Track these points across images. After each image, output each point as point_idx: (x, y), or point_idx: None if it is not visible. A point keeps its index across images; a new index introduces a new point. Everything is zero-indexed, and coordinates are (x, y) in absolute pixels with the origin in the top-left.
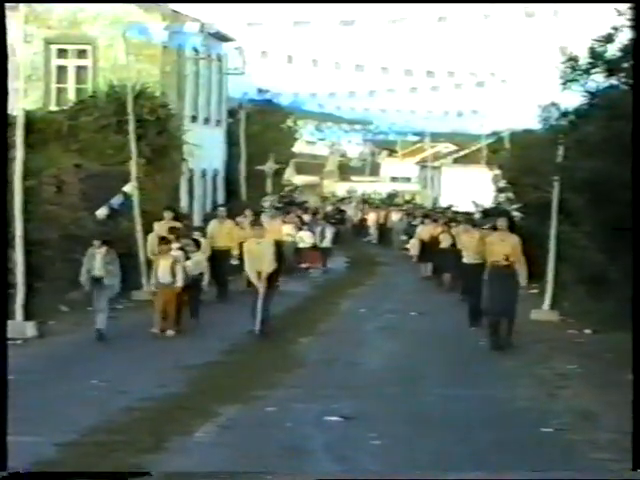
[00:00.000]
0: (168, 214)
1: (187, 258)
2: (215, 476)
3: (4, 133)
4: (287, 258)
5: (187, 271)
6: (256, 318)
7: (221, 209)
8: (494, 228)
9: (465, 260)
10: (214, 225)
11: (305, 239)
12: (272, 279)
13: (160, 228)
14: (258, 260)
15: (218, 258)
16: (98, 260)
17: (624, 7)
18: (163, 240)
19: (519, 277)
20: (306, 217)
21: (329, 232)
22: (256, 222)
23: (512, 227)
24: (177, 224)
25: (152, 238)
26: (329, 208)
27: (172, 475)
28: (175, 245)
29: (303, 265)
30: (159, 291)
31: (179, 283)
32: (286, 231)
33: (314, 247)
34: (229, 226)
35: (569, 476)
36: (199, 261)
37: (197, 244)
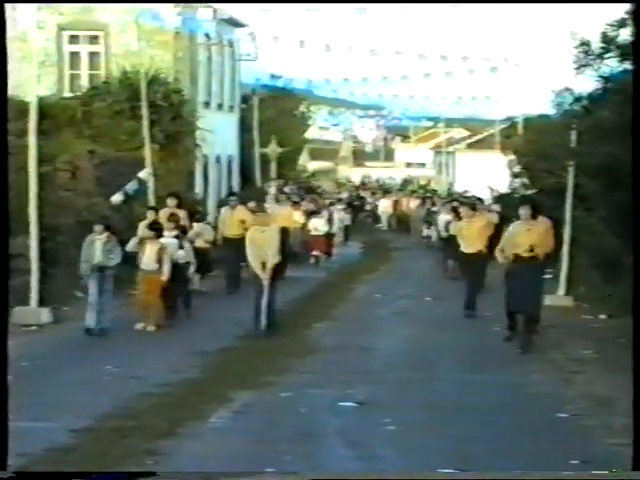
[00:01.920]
0: (171, 201)
1: (181, 247)
2: (214, 476)
3: (4, 124)
4: (293, 246)
5: (176, 259)
6: (260, 313)
7: (232, 197)
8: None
9: (463, 249)
10: (225, 213)
11: (319, 227)
12: (278, 271)
13: (162, 215)
14: (262, 250)
15: (229, 247)
16: (98, 247)
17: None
18: (154, 225)
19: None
20: (322, 203)
21: (337, 218)
22: (259, 208)
23: (535, 215)
24: (179, 211)
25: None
26: (344, 195)
27: (175, 474)
28: (169, 233)
29: (314, 253)
30: (141, 279)
31: (165, 273)
32: (295, 218)
33: (327, 234)
34: (241, 214)
35: (569, 476)
36: (186, 249)
37: (184, 231)
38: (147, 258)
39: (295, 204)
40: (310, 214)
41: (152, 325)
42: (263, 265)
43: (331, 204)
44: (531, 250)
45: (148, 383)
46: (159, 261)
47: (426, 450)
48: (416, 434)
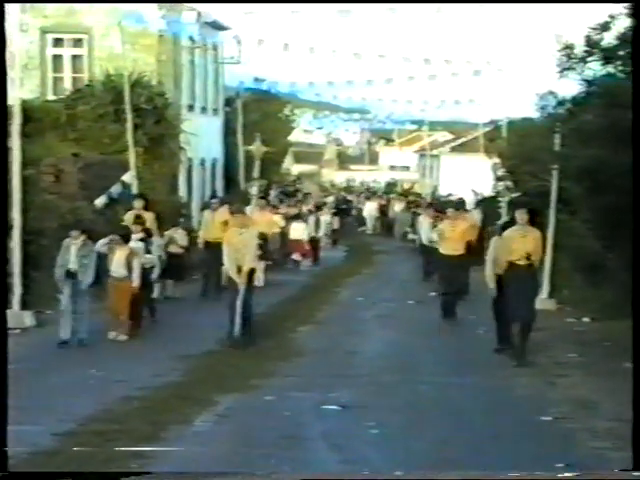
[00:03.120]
0: (138, 202)
1: (148, 252)
2: (210, 475)
3: (3, 123)
4: (273, 252)
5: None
6: (235, 319)
7: (214, 200)
8: (510, 223)
9: (442, 251)
10: (206, 216)
11: (299, 231)
12: (253, 276)
13: (127, 218)
14: (239, 253)
15: (210, 251)
16: (73, 253)
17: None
18: (122, 228)
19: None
20: (306, 208)
21: (323, 223)
22: (238, 209)
23: (533, 220)
24: (146, 214)
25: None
26: (330, 198)
27: (169, 475)
28: (135, 236)
29: (294, 257)
30: (110, 286)
31: (135, 280)
32: (275, 222)
33: (311, 239)
34: (223, 216)
35: (571, 476)
36: (146, 254)
37: (148, 234)
38: (116, 263)
39: (274, 208)
40: (290, 218)
41: (123, 334)
42: (239, 269)
43: (317, 208)
44: (527, 258)
45: (132, 387)
46: (128, 266)
47: (409, 453)
48: (399, 437)
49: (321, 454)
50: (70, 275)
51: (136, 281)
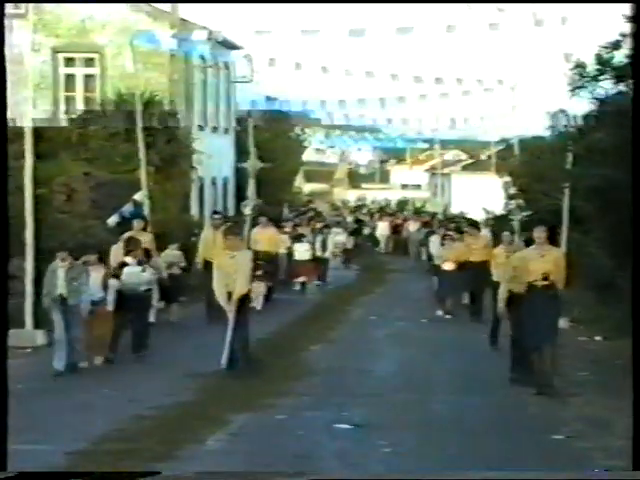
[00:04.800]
0: (138, 223)
1: (143, 271)
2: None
3: (4, 140)
4: (279, 273)
5: (124, 285)
6: (224, 349)
7: (216, 216)
8: (527, 242)
9: (446, 267)
10: (206, 234)
11: (300, 251)
12: (246, 302)
13: (121, 241)
14: (230, 278)
15: (211, 272)
16: (60, 276)
17: (631, 12)
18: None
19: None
20: (311, 227)
21: (330, 243)
22: (230, 230)
23: (553, 238)
24: (144, 234)
25: (115, 250)
26: (349, 218)
27: (181, 477)
28: (129, 259)
29: (298, 279)
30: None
31: (110, 302)
32: (280, 242)
33: (313, 259)
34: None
35: (570, 476)
36: (143, 275)
37: (147, 255)
38: (91, 286)
39: (279, 227)
40: (294, 238)
41: (99, 358)
42: (229, 295)
43: (326, 226)
44: (545, 278)
45: (144, 406)
46: (104, 289)
47: (422, 472)
48: (412, 456)
49: (333, 472)
50: (60, 300)
51: (111, 305)
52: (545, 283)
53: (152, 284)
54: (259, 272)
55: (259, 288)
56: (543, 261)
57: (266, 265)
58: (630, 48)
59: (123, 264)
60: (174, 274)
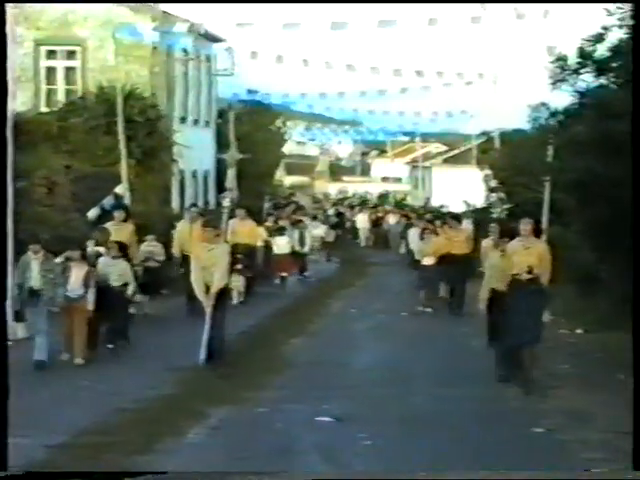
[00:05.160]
0: (119, 214)
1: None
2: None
3: (3, 131)
4: (258, 266)
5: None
6: (202, 345)
7: (192, 209)
8: (506, 234)
9: (426, 262)
10: (182, 227)
11: (280, 245)
12: (223, 296)
13: (98, 233)
14: (207, 271)
15: (188, 265)
16: (34, 269)
17: (613, 7)
18: (80, 244)
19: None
20: (289, 221)
21: (308, 237)
22: (208, 223)
23: (538, 231)
24: (126, 226)
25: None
26: (331, 211)
27: (174, 474)
28: (102, 249)
29: (279, 273)
30: (65, 307)
31: (91, 301)
32: (259, 235)
33: (292, 253)
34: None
35: (569, 476)
36: (121, 269)
37: (121, 249)
38: (72, 283)
39: (260, 220)
40: (274, 231)
41: (79, 358)
42: (207, 288)
43: (300, 221)
44: (530, 272)
45: (125, 399)
46: (86, 287)
47: (402, 464)
48: (392, 449)
49: (314, 466)
50: (33, 293)
51: (91, 304)
52: (529, 277)
53: (129, 279)
54: (238, 266)
55: (238, 282)
56: (527, 254)
57: (244, 258)
58: (631, 49)
59: (98, 255)
60: (151, 267)
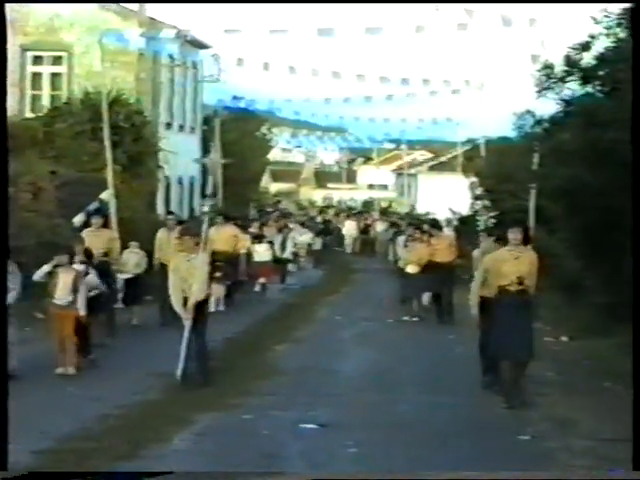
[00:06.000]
0: (96, 220)
1: (86, 274)
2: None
3: (4, 140)
4: (239, 272)
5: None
6: (180, 360)
7: (170, 217)
8: (499, 240)
9: (409, 270)
10: (161, 236)
11: (259, 252)
12: (203, 308)
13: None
14: (186, 283)
15: (165, 274)
16: None
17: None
18: (67, 249)
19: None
20: (271, 228)
21: (290, 243)
22: (186, 231)
23: (527, 239)
24: (105, 232)
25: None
26: (318, 219)
27: (189, 474)
28: (77, 259)
29: (258, 281)
30: (54, 315)
31: (81, 308)
32: (239, 241)
33: (274, 261)
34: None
35: (568, 476)
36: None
37: (88, 256)
38: (60, 290)
39: (240, 227)
40: (254, 239)
41: (72, 367)
42: (185, 301)
43: (286, 226)
44: (520, 283)
45: (109, 405)
46: (74, 292)
47: (388, 471)
48: (377, 455)
49: (299, 472)
50: None
51: (82, 309)
52: (520, 288)
53: (99, 287)
54: (218, 274)
55: (217, 290)
56: (517, 263)
57: (225, 266)
58: (631, 49)
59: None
60: (131, 277)
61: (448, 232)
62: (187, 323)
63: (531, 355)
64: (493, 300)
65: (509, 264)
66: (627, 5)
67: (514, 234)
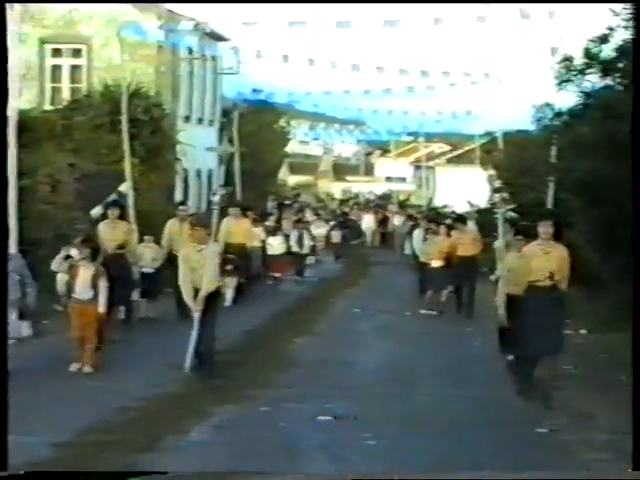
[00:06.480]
0: (112, 212)
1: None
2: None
3: (3, 131)
4: (254, 267)
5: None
6: (188, 353)
7: (181, 207)
8: (526, 235)
9: (434, 264)
10: (171, 226)
11: (273, 245)
12: (213, 300)
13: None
14: (196, 273)
15: (176, 265)
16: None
17: (619, 7)
18: (84, 243)
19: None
20: (288, 221)
21: (307, 238)
22: (198, 221)
23: (558, 234)
24: (121, 223)
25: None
26: (338, 211)
27: (178, 474)
28: (74, 252)
29: (274, 275)
30: (74, 311)
31: (102, 304)
32: (255, 235)
33: (288, 254)
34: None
35: (569, 476)
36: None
37: (94, 253)
38: (80, 285)
39: (255, 220)
40: (269, 232)
41: (89, 365)
42: (196, 292)
43: (299, 220)
44: (550, 278)
45: (129, 397)
46: (94, 288)
47: (406, 465)
48: (395, 448)
49: (317, 465)
50: None
51: (102, 305)
52: (550, 283)
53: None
54: (229, 267)
55: (229, 284)
56: (548, 259)
57: (237, 259)
58: (633, 49)
59: (67, 257)
60: (147, 272)
61: (472, 226)
62: (196, 315)
63: (560, 350)
64: (521, 297)
65: (539, 259)
66: None
67: (544, 228)
